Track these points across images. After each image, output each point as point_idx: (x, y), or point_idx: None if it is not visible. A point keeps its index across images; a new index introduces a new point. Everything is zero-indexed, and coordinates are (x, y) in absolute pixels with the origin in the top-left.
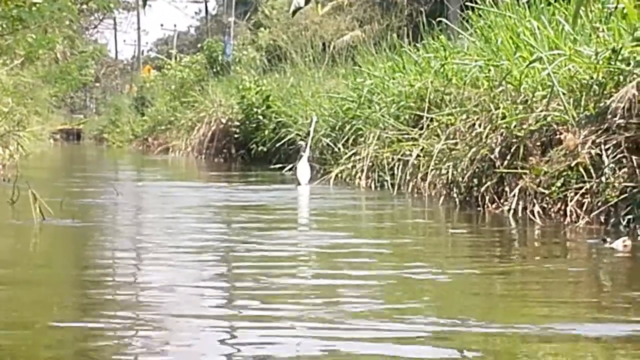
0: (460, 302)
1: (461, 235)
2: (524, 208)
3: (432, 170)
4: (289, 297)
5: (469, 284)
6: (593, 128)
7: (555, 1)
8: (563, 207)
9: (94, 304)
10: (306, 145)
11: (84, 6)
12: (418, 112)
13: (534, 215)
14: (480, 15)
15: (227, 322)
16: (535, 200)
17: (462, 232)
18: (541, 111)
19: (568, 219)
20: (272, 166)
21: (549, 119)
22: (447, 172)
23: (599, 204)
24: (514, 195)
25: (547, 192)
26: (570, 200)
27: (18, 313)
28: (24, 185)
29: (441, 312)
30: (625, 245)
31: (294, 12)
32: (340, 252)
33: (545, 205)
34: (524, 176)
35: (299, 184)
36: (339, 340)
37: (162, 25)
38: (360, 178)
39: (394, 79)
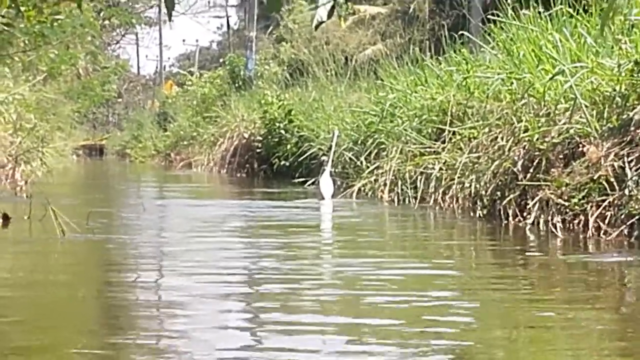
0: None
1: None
2: (546, 221)
3: (455, 183)
4: (311, 317)
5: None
6: (616, 140)
7: (577, 14)
8: (585, 220)
9: (113, 325)
10: (328, 159)
11: (106, 22)
12: (440, 126)
13: (555, 228)
14: (502, 28)
15: (248, 332)
16: (557, 213)
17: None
18: (564, 124)
19: (590, 232)
20: (294, 180)
21: (571, 131)
22: (470, 185)
23: (622, 216)
24: (536, 208)
25: (568, 204)
26: (592, 214)
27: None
28: (45, 201)
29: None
30: None
31: (317, 26)
32: (363, 272)
33: (567, 218)
34: (545, 188)
35: (322, 198)
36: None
37: (184, 40)
38: (382, 192)
39: (416, 92)
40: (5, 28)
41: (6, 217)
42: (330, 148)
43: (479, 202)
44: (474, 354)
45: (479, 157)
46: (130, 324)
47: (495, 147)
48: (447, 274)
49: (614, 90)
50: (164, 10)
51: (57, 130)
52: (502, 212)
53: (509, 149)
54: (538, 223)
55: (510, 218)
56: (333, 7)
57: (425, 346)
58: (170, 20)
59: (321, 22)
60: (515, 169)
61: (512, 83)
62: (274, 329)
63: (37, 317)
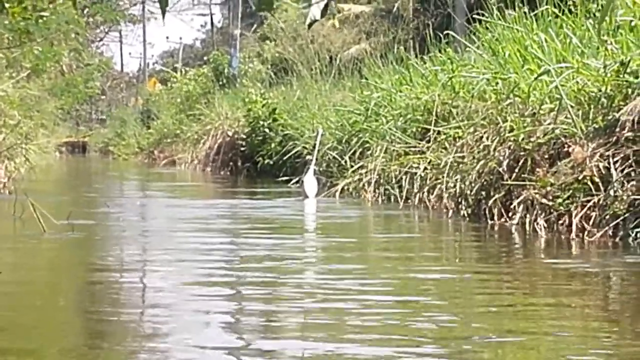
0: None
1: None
2: (531, 221)
3: (440, 183)
4: (294, 312)
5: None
6: (601, 141)
7: (562, 14)
8: (569, 220)
9: (92, 326)
10: (313, 158)
11: (90, 19)
12: (425, 125)
13: (540, 229)
14: (487, 28)
15: (231, 327)
16: (541, 213)
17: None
18: (549, 124)
19: (574, 232)
20: (278, 179)
21: (557, 131)
22: (455, 185)
23: (607, 217)
24: (521, 208)
25: (552, 204)
26: (577, 214)
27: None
28: (28, 198)
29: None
30: None
31: (310, 25)
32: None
33: (552, 218)
34: (530, 188)
35: (305, 197)
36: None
37: (167, 38)
38: (367, 191)
39: (401, 91)
40: None
41: None
42: (314, 147)
43: (464, 202)
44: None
45: (464, 157)
46: (110, 324)
47: (481, 147)
48: (429, 276)
49: (600, 90)
50: (148, 7)
51: (41, 127)
52: (487, 212)
53: (494, 149)
54: (523, 223)
55: (496, 218)
56: (327, 6)
57: (405, 346)
58: (164, 17)
59: (314, 21)
60: (500, 169)
61: (497, 83)
62: (256, 332)
63: (17, 317)
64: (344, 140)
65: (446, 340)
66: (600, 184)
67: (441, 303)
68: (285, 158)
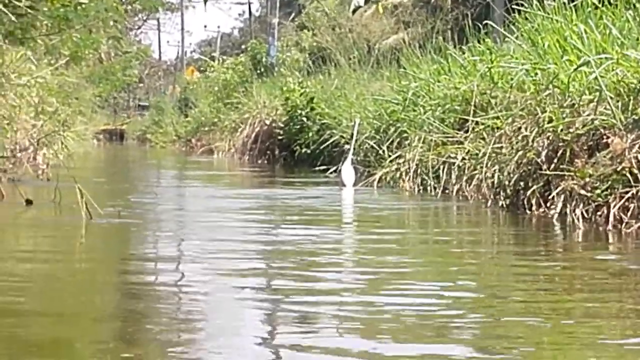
0: None
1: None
2: (570, 212)
3: (478, 173)
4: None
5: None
6: None
7: (602, 5)
8: (607, 211)
9: (131, 313)
10: (350, 147)
11: (129, 7)
12: (463, 115)
13: (577, 219)
14: (526, 19)
15: (266, 320)
16: (579, 204)
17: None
18: (588, 115)
19: (611, 223)
20: (315, 168)
21: (596, 122)
22: (493, 175)
23: None
24: (559, 199)
25: (591, 195)
26: (615, 205)
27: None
28: (67, 184)
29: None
30: None
31: (354, 11)
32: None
33: (590, 209)
34: (569, 179)
35: (343, 186)
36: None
37: (205, 26)
38: (404, 181)
39: (439, 81)
40: (29, 11)
41: (29, 202)
42: (352, 136)
43: (502, 193)
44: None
45: (502, 147)
46: (148, 311)
47: (519, 138)
48: (467, 269)
49: (639, 82)
50: None
51: (79, 114)
52: (525, 203)
53: (533, 140)
54: (561, 214)
55: (534, 208)
56: None
57: (443, 339)
58: (205, 5)
59: (358, 7)
60: (539, 160)
61: (536, 73)
62: (292, 324)
63: (58, 305)
64: (381, 130)
65: (482, 339)
66: (638, 176)
67: (479, 296)
68: (322, 147)
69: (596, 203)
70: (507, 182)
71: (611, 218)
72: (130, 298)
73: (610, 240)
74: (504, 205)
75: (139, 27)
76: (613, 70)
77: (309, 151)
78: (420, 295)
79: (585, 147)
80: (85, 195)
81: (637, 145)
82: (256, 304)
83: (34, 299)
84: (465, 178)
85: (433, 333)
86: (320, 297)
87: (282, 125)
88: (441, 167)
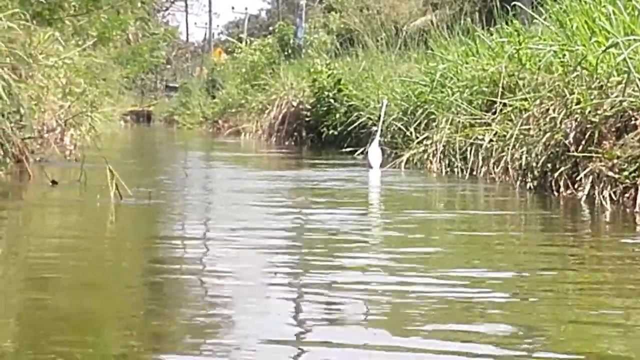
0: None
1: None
2: (598, 193)
3: (505, 155)
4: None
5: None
6: None
7: None
8: (635, 194)
9: (158, 294)
10: (377, 128)
11: None
12: (491, 97)
13: (605, 201)
14: (554, 0)
15: (293, 304)
16: (607, 186)
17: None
18: (616, 97)
19: (638, 206)
20: (342, 150)
21: (624, 104)
22: (521, 157)
23: None
24: (587, 181)
25: (619, 177)
26: None
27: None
28: (95, 165)
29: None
30: None
31: None
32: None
33: (617, 191)
34: (596, 161)
35: (370, 167)
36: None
37: (233, 8)
38: (431, 162)
39: (467, 63)
40: None
41: (54, 183)
42: (379, 118)
43: (529, 174)
44: (523, 335)
45: (530, 129)
46: (175, 288)
47: (547, 119)
48: (495, 252)
49: None
50: None
51: (106, 95)
52: (553, 185)
53: (561, 121)
54: (589, 196)
55: (562, 190)
56: None
57: (471, 323)
58: None
59: None
60: (566, 141)
61: (564, 55)
62: (318, 307)
63: (83, 284)
64: (409, 112)
65: (510, 321)
66: None
67: (506, 278)
68: (349, 129)
69: (624, 185)
70: (534, 164)
71: (639, 200)
72: (157, 276)
73: (638, 222)
74: (532, 187)
75: (167, 9)
76: None
77: (336, 133)
78: (447, 277)
79: (613, 129)
80: (115, 176)
81: None
82: (282, 285)
83: (62, 274)
84: (492, 160)
85: (460, 315)
86: (347, 279)
87: (309, 107)
88: (468, 148)
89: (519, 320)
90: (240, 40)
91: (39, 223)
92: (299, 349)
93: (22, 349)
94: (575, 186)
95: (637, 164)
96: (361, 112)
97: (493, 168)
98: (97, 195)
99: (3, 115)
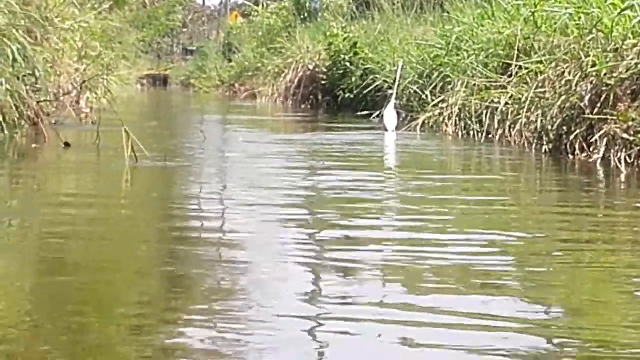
0: None
1: None
2: (613, 156)
3: (521, 118)
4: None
5: None
6: None
7: None
8: None
9: (173, 256)
10: (393, 92)
11: None
12: (507, 60)
13: (620, 163)
14: None
15: (309, 269)
16: (622, 148)
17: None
18: (632, 59)
19: None
20: (358, 113)
21: None
22: (537, 120)
23: None
24: (602, 143)
25: (634, 139)
26: None
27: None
28: (111, 128)
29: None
30: None
31: None
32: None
33: (632, 153)
34: (612, 123)
35: (385, 130)
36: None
37: None
38: (447, 125)
39: (483, 26)
40: None
41: (67, 145)
42: (395, 81)
43: (545, 137)
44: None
45: (545, 92)
46: (191, 257)
47: (563, 82)
48: (510, 215)
49: None
50: None
51: (122, 59)
52: (568, 147)
53: (576, 84)
54: (604, 158)
55: (577, 153)
56: None
57: (486, 287)
58: None
59: None
60: (582, 104)
61: (580, 18)
62: (335, 272)
63: (99, 240)
64: (425, 75)
65: (526, 286)
66: None
67: (522, 242)
68: (365, 92)
69: (639, 147)
70: (550, 127)
71: None
72: (174, 244)
73: None
74: (547, 150)
75: None
76: None
77: (352, 96)
78: (463, 243)
79: (628, 92)
80: (131, 137)
81: None
82: (299, 250)
83: (78, 232)
84: (508, 123)
85: (476, 281)
86: (363, 245)
87: (325, 70)
88: (484, 111)
89: (534, 282)
90: (256, 3)
91: (54, 184)
92: (316, 314)
93: (39, 307)
94: (591, 149)
95: None
96: (377, 76)
97: (509, 131)
98: (113, 157)
99: (18, 78)
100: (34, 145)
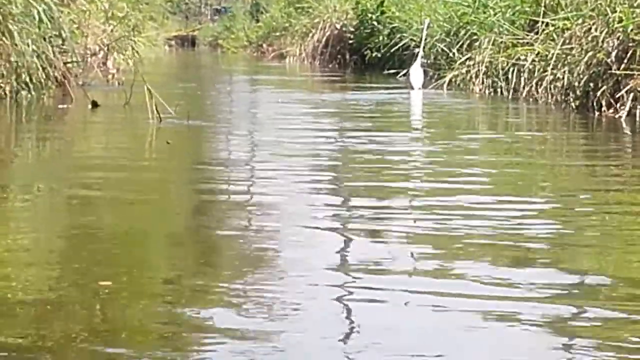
0: None
1: None
2: (639, 111)
3: (547, 75)
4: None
5: None
6: None
7: None
8: None
9: (199, 212)
10: (420, 49)
11: None
12: (533, 17)
13: None
14: None
15: (338, 235)
16: None
17: None
18: None
19: None
20: (386, 72)
21: None
22: (563, 77)
23: None
24: (628, 99)
25: None
26: None
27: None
28: (138, 90)
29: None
30: None
31: None
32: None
33: None
34: (638, 78)
35: (412, 88)
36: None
37: None
38: (474, 83)
39: None
40: None
41: (95, 104)
42: (421, 39)
43: (571, 94)
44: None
45: (572, 49)
46: (217, 213)
47: (589, 38)
48: (538, 173)
49: None
50: None
51: (150, 20)
52: (595, 104)
53: (603, 40)
54: (630, 114)
55: (604, 109)
56: None
57: (517, 251)
58: None
59: None
60: (608, 60)
61: None
62: (364, 242)
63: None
64: (451, 33)
65: (555, 247)
66: None
67: (551, 204)
68: (392, 51)
69: None
70: (576, 84)
71: None
72: (201, 214)
73: None
74: (574, 107)
75: None
76: None
77: (379, 55)
78: (492, 208)
79: None
80: (154, 96)
81: None
82: (327, 217)
83: (106, 194)
84: (535, 80)
85: (505, 248)
86: (392, 211)
87: (352, 29)
88: (511, 69)
89: (565, 247)
90: None
91: (81, 146)
92: (344, 282)
93: (66, 275)
94: (617, 105)
95: None
96: (404, 34)
97: (535, 88)
98: (138, 117)
99: (45, 39)
100: (60, 106)
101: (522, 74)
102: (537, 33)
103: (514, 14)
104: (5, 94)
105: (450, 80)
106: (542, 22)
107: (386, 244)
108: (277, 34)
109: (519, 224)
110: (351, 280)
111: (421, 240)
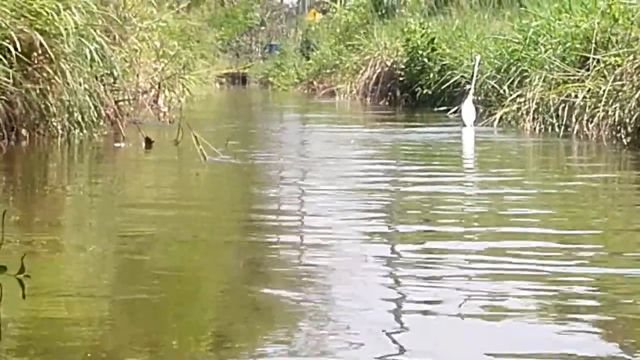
0: None
1: None
2: None
3: (599, 111)
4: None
5: None
6: None
7: None
8: None
9: (250, 247)
10: (471, 86)
11: None
12: (584, 53)
13: None
14: None
15: (390, 268)
16: None
17: None
18: None
19: None
20: (436, 109)
21: None
22: (614, 113)
23: None
24: None
25: None
26: None
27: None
28: (187, 126)
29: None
30: None
31: None
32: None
33: None
34: None
35: (463, 125)
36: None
37: None
38: (525, 120)
39: (560, 20)
40: None
41: (149, 141)
42: (472, 75)
43: (622, 130)
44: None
45: (623, 85)
46: (266, 245)
47: None
48: (589, 213)
49: None
50: None
51: (201, 57)
52: None
53: None
54: None
55: None
56: None
57: (563, 285)
58: None
59: None
60: None
61: None
62: (416, 275)
63: (180, 240)
64: (502, 69)
65: (604, 294)
66: None
67: (597, 245)
68: (443, 87)
69: None
70: (627, 120)
71: None
72: (251, 252)
73: None
74: (626, 144)
75: None
76: None
77: (430, 92)
78: (542, 253)
79: None
80: (199, 139)
81: None
82: (378, 256)
83: (158, 231)
84: (585, 117)
85: (553, 307)
86: (443, 245)
87: (403, 66)
88: (562, 105)
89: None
90: (334, 0)
91: (132, 183)
92: (397, 319)
93: (119, 307)
94: None
95: None
96: (455, 71)
97: (586, 125)
98: (189, 157)
99: (97, 78)
100: (116, 144)
101: (573, 111)
102: (588, 70)
103: (564, 50)
104: (57, 132)
105: (501, 117)
106: (593, 59)
107: (438, 279)
108: (328, 71)
109: (569, 272)
110: (402, 321)
111: (473, 279)
